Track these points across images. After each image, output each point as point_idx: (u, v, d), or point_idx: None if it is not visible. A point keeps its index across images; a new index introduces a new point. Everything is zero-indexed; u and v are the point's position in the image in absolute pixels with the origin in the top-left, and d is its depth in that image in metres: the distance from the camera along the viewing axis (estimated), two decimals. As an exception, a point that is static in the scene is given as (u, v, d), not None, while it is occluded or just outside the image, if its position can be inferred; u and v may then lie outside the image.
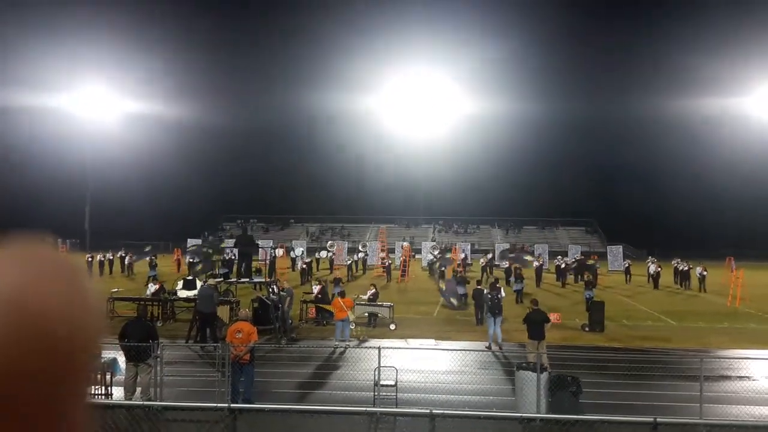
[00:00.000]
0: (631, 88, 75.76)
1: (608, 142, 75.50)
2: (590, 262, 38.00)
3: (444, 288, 22.21)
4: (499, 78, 71.40)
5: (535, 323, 15.59)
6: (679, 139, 70.17)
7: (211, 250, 23.76)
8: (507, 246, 55.62)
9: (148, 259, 37.80)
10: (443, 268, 36.46)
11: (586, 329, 21.48)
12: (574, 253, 50.68)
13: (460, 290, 26.11)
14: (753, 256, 53.41)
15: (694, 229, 69.24)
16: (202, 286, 20.27)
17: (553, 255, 48.66)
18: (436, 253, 43.76)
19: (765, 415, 11.94)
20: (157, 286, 24.49)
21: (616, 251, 52.36)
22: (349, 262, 41.58)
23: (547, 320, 15.72)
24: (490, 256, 45.15)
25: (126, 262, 41.88)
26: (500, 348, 18.18)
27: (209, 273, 21.95)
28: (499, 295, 19.09)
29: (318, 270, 42.67)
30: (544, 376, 11.68)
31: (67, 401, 0.51)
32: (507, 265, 37.55)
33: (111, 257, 43.19)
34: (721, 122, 67.16)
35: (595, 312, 21.87)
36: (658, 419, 6.60)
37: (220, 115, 73.87)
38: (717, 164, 68.92)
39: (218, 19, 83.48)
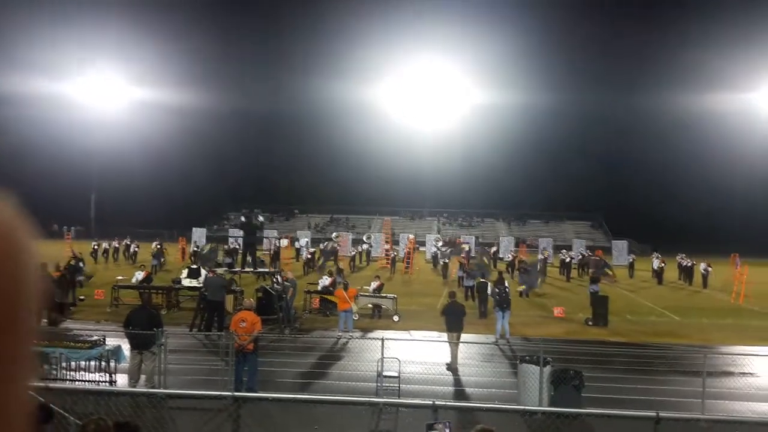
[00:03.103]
0: (639, 82, 75.47)
1: (615, 137, 75.32)
2: (596, 257, 37.87)
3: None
4: (506, 70, 71.13)
5: (454, 315, 15.64)
6: (686, 134, 69.85)
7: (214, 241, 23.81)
8: (510, 239, 55.53)
9: (153, 246, 37.91)
10: (447, 260, 36.49)
11: (590, 323, 21.48)
12: (579, 247, 50.66)
13: (469, 282, 26.12)
14: (759, 253, 53.19)
15: (700, 224, 68.99)
16: (207, 275, 20.36)
17: (557, 249, 48.60)
18: (440, 245, 43.67)
19: (767, 411, 11.95)
20: (144, 274, 24.51)
21: (621, 246, 52.40)
22: (353, 253, 41.58)
23: (464, 313, 15.86)
24: (494, 249, 45.17)
25: (131, 251, 42.05)
26: (508, 342, 18.19)
27: (214, 262, 22.02)
28: (507, 289, 19.06)
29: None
30: (547, 369, 11.70)
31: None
32: (510, 259, 37.62)
33: (117, 245, 43.43)
34: (729, 118, 66.81)
35: (599, 306, 21.85)
36: (660, 414, 6.61)
37: (226, 103, 73.82)
38: (724, 160, 68.63)
39: (226, 6, 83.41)
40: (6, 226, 0.58)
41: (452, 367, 14.87)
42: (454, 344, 15.13)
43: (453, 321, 15.53)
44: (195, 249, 41.61)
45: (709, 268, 34.98)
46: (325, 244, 30.96)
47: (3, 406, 0.54)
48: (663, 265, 37.11)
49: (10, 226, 0.58)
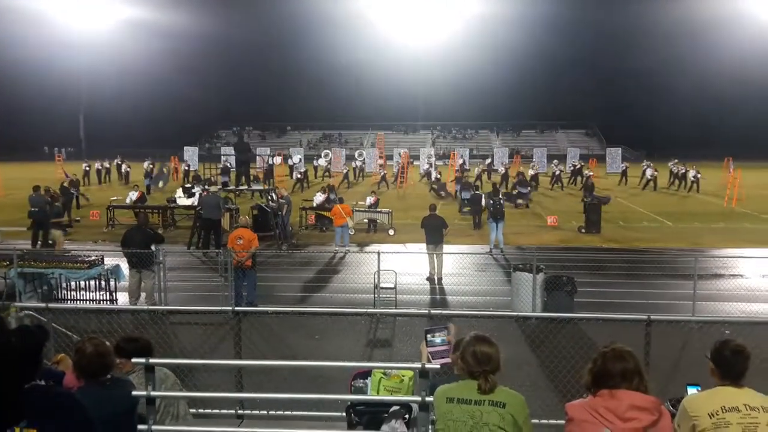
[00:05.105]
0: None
1: (609, 44, 73.71)
2: (586, 171, 37.75)
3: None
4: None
5: (433, 228, 15.62)
6: (680, 39, 68.55)
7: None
8: (504, 150, 55.34)
9: (146, 166, 37.75)
10: (439, 175, 36.29)
11: (582, 231, 21.70)
12: (573, 156, 50.52)
13: (465, 195, 26.21)
14: (752, 157, 53.23)
15: (694, 130, 68.78)
16: (202, 194, 20.36)
17: (551, 158, 48.51)
18: (432, 161, 43.46)
19: (755, 311, 12.25)
20: (138, 194, 24.49)
21: (615, 153, 52.34)
22: (346, 170, 41.45)
23: (445, 225, 15.80)
24: (488, 161, 45.09)
25: (122, 171, 41.90)
26: (501, 251, 18.41)
27: (208, 180, 21.96)
28: (501, 200, 19.12)
29: (315, 178, 42.65)
30: (540, 276, 11.90)
31: None
32: (503, 171, 37.64)
33: (108, 166, 43.20)
34: (721, 22, 65.47)
35: (592, 214, 22.00)
36: (651, 316, 6.76)
37: (216, 21, 71.73)
38: (718, 65, 67.71)
39: None
40: None
41: (432, 278, 15.08)
42: (431, 255, 15.26)
43: (431, 233, 15.62)
44: (186, 168, 41.37)
45: (699, 174, 35.15)
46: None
47: None
48: (656, 173, 37.19)
49: None
